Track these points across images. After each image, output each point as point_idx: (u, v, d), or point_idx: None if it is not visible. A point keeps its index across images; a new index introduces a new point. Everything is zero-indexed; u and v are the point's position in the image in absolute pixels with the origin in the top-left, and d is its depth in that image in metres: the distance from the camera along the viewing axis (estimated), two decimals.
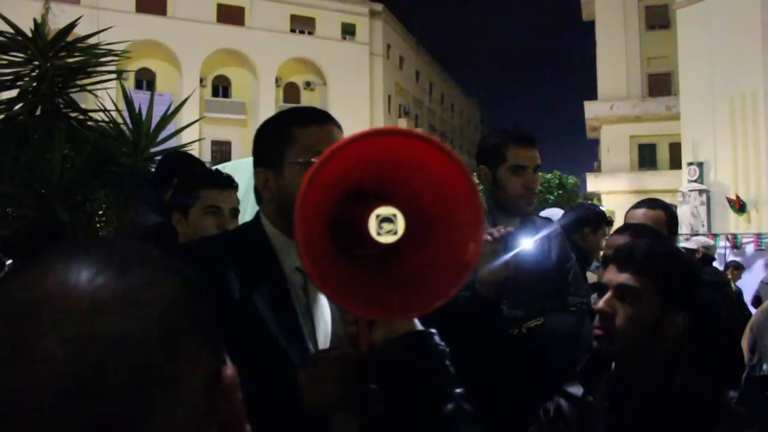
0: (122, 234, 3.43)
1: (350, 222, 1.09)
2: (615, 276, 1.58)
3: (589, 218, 3.77)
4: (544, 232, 2.32)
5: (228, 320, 1.30)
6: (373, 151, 1.03)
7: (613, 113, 30.38)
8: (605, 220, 4.04)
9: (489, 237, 1.96)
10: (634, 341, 1.54)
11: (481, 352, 1.36)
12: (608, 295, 1.57)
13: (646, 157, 30.79)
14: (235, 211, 2.38)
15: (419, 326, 1.15)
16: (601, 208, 4.54)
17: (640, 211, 2.83)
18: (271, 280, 1.40)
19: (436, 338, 1.20)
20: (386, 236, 1.04)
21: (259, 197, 1.52)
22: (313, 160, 1.37)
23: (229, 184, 2.42)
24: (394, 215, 1.04)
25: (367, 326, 1.12)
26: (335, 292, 1.04)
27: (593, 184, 30.65)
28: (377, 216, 1.04)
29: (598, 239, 3.80)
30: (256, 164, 1.50)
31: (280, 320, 1.34)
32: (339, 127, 1.49)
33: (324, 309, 1.43)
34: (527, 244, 2.01)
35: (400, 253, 1.09)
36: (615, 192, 28.46)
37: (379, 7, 38.93)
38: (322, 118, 1.48)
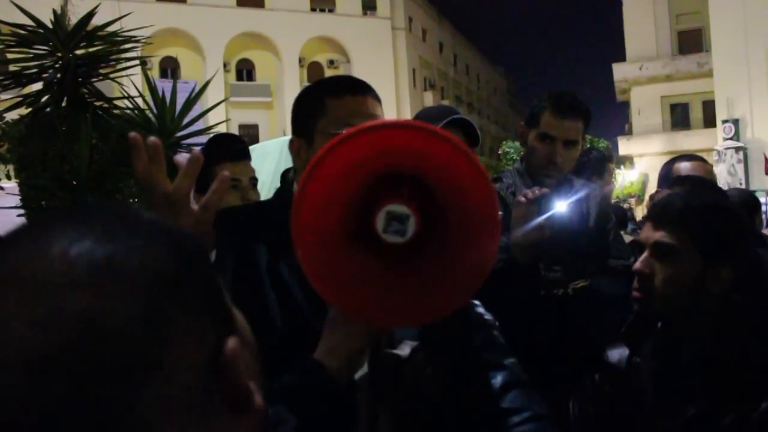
0: None
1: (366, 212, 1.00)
2: (651, 234, 1.51)
3: (588, 164, 3.63)
4: (580, 194, 2.25)
5: (252, 287, 1.31)
6: (386, 142, 0.95)
7: (642, 74, 29.76)
8: (606, 159, 3.94)
9: (523, 198, 1.91)
10: (675, 300, 1.48)
11: (518, 316, 1.34)
12: (645, 254, 1.51)
13: (679, 117, 30.16)
14: (254, 181, 2.34)
15: None
16: (605, 151, 4.41)
17: (688, 165, 2.72)
18: None
19: (480, 309, 1.16)
20: (392, 236, 0.95)
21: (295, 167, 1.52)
22: (343, 131, 1.34)
23: (243, 154, 2.37)
24: (407, 216, 0.95)
25: None
26: (338, 294, 0.97)
27: (625, 147, 30.15)
28: (387, 212, 0.95)
29: (606, 181, 3.75)
30: (293, 132, 1.49)
31: (304, 288, 1.33)
32: (376, 98, 1.44)
33: None
34: (561, 206, 1.95)
35: (411, 255, 1.00)
36: (648, 154, 27.96)
37: None
38: (358, 89, 1.42)
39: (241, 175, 2.29)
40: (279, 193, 1.54)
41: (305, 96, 1.50)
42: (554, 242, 1.94)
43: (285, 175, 3.95)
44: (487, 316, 1.24)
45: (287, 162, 5.25)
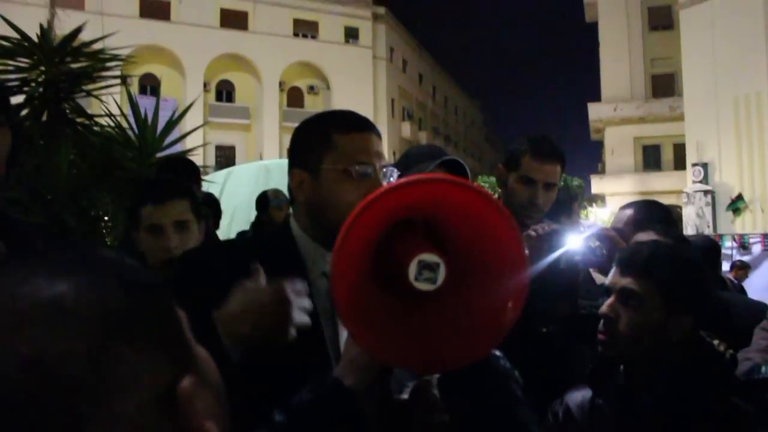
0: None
1: (390, 255, 1.05)
2: (618, 280, 1.57)
3: (557, 204, 3.68)
4: (590, 231, 2.29)
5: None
6: (421, 195, 1.00)
7: (616, 115, 30.35)
8: (573, 199, 4.03)
9: (533, 233, 1.94)
10: (637, 345, 1.53)
11: (513, 350, 1.37)
12: (611, 299, 1.57)
13: (651, 158, 30.74)
14: (182, 225, 2.04)
15: None
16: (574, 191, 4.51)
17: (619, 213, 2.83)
18: None
19: (502, 360, 1.19)
20: (424, 283, 1.00)
21: (292, 199, 1.51)
22: (354, 168, 1.37)
23: (170, 194, 2.06)
24: (437, 264, 1.00)
25: None
26: (367, 336, 1.01)
27: (598, 185, 30.60)
28: (419, 261, 0.99)
29: (573, 221, 3.84)
30: (292, 165, 1.48)
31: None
32: (379, 135, 1.48)
33: None
34: (574, 242, 1.96)
35: (434, 301, 1.04)
36: (620, 193, 28.39)
37: (381, 10, 38.95)
38: (363, 126, 1.45)
39: (162, 219, 2.02)
40: (280, 228, 1.53)
41: (308, 129, 1.50)
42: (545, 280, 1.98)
43: (262, 203, 3.85)
44: (507, 367, 1.26)
45: (264, 187, 5.24)
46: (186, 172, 3.40)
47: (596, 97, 31.76)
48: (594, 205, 29.59)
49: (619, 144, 30.62)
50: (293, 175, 1.47)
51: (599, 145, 34.89)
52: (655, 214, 2.66)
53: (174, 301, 0.55)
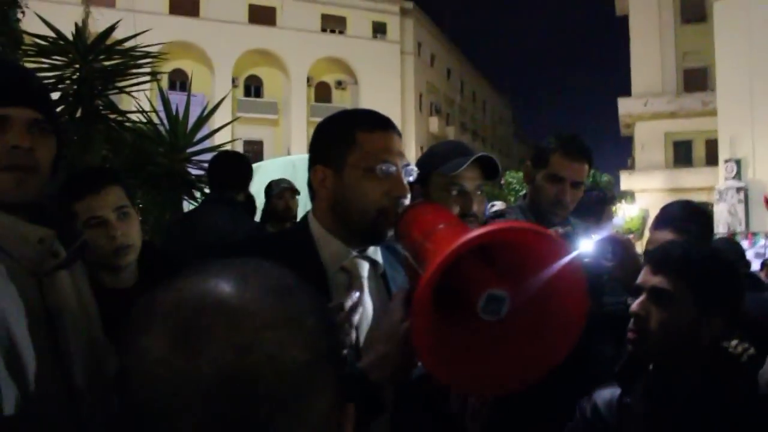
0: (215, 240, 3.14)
1: (454, 279, 1.08)
2: (649, 278, 1.56)
3: (587, 203, 3.62)
4: (604, 234, 2.28)
5: None
6: (500, 238, 1.05)
7: (647, 110, 29.91)
8: (606, 202, 3.96)
9: None
10: (668, 344, 1.52)
11: None
12: (642, 297, 1.56)
13: (682, 154, 30.25)
14: (123, 210, 1.94)
15: None
16: (603, 192, 4.37)
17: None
18: (311, 279, 1.41)
19: None
20: (489, 315, 1.05)
21: (313, 194, 1.52)
22: (379, 166, 1.40)
23: (104, 182, 1.95)
24: (504, 298, 1.04)
25: None
26: (435, 363, 1.05)
27: (627, 182, 30.22)
28: (488, 295, 1.04)
29: (603, 223, 3.78)
30: (314, 161, 1.50)
31: None
32: (400, 135, 1.50)
33: (367, 310, 1.43)
34: (586, 245, 1.96)
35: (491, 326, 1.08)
36: (649, 190, 28.04)
37: (409, 5, 38.86)
38: (385, 125, 1.47)
39: (102, 209, 1.91)
40: (299, 224, 1.57)
41: (332, 126, 1.51)
42: None
43: (268, 193, 3.82)
44: None
45: (292, 181, 5.23)
46: (243, 168, 3.47)
47: (626, 91, 31.35)
48: (623, 201, 29.24)
49: (649, 140, 30.18)
50: (315, 171, 1.48)
51: (629, 140, 34.45)
52: (677, 214, 2.62)
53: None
